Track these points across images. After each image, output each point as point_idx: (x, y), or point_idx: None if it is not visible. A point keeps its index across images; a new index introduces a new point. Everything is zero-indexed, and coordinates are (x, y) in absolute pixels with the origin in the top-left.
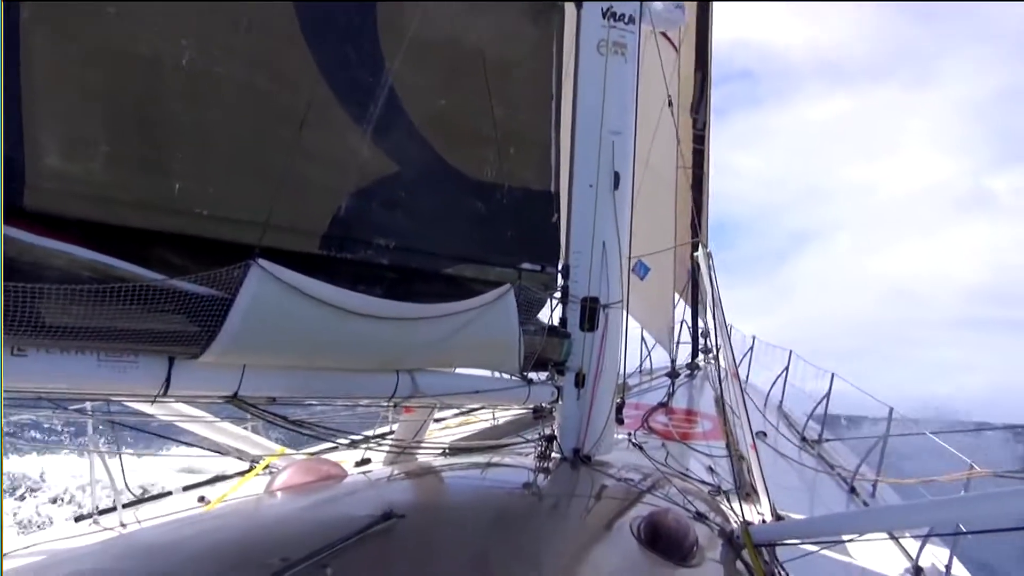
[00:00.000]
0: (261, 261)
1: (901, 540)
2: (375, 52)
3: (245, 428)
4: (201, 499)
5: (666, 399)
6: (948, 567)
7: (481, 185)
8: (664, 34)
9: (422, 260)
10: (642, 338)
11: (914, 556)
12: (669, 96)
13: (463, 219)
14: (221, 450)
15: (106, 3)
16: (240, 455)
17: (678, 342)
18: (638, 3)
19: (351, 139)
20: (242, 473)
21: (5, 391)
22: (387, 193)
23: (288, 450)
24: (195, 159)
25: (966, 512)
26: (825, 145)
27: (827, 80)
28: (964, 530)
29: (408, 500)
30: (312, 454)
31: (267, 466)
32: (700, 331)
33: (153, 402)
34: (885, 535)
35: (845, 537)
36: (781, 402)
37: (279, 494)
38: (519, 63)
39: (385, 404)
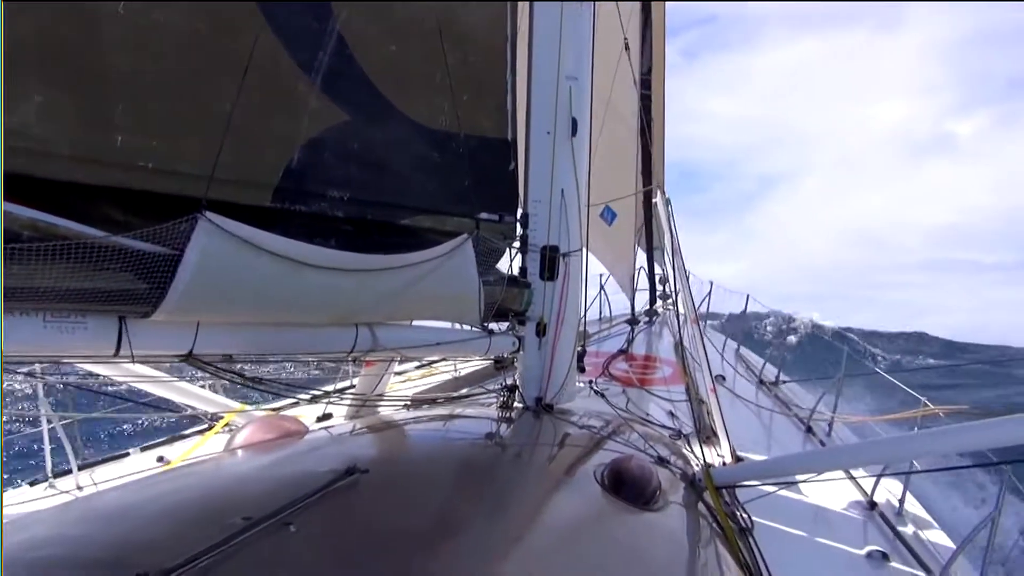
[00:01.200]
0: (209, 214)
1: (857, 477)
2: None
3: (203, 387)
4: (160, 459)
5: (626, 346)
6: (901, 502)
7: (436, 134)
8: None
9: (378, 211)
10: (601, 285)
11: (869, 492)
12: (626, 39)
13: (418, 169)
14: (179, 409)
15: None
16: (199, 414)
17: (635, 288)
18: None
19: (300, 88)
20: (202, 432)
21: None
22: (340, 144)
23: (248, 407)
24: (136, 110)
25: (916, 449)
26: (794, 89)
27: (794, 25)
28: (917, 468)
29: (371, 454)
30: (274, 410)
31: (227, 424)
32: (658, 277)
33: (106, 363)
34: (842, 473)
35: (803, 476)
36: (738, 346)
37: (239, 452)
38: (470, 8)
39: (345, 358)
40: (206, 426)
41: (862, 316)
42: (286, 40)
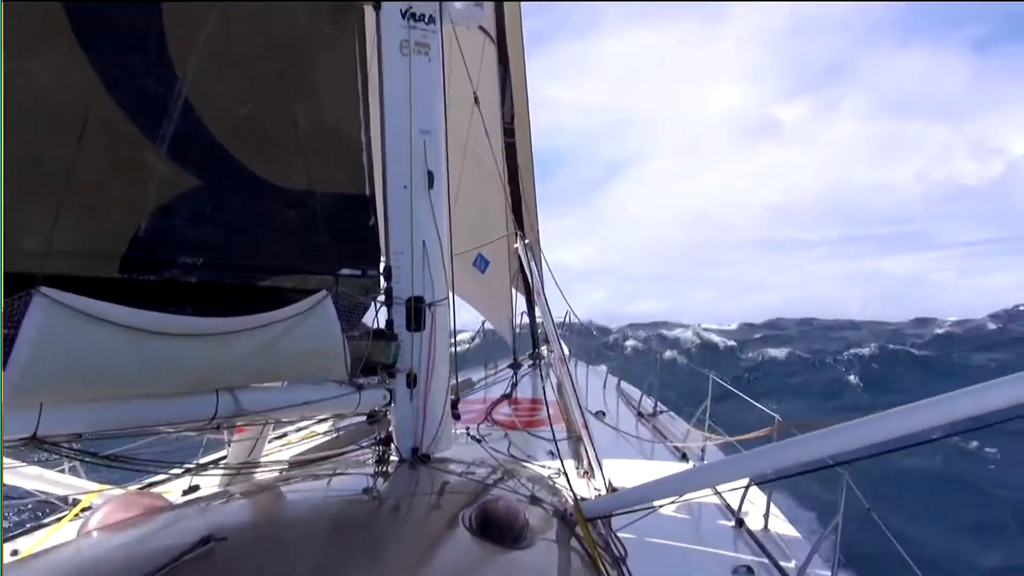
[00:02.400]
0: (45, 289)
1: (725, 495)
2: (164, 60)
3: (61, 470)
4: (14, 553)
5: (509, 390)
6: (766, 516)
7: (292, 193)
8: (482, 27)
9: (235, 275)
10: (481, 332)
11: (736, 509)
12: (475, 94)
13: (276, 230)
14: (30, 496)
15: None
16: (54, 499)
17: (515, 333)
18: (437, 3)
19: (145, 153)
20: (60, 519)
21: None
22: (190, 209)
23: (107, 488)
24: None
25: (769, 461)
26: (636, 76)
27: (631, 14)
28: (772, 479)
29: (235, 522)
30: (142, 488)
31: (85, 508)
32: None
33: None
34: (711, 491)
35: (671, 500)
36: (619, 381)
37: (93, 534)
38: (321, 67)
39: (207, 427)
40: (64, 512)
41: (703, 294)
42: (129, 107)
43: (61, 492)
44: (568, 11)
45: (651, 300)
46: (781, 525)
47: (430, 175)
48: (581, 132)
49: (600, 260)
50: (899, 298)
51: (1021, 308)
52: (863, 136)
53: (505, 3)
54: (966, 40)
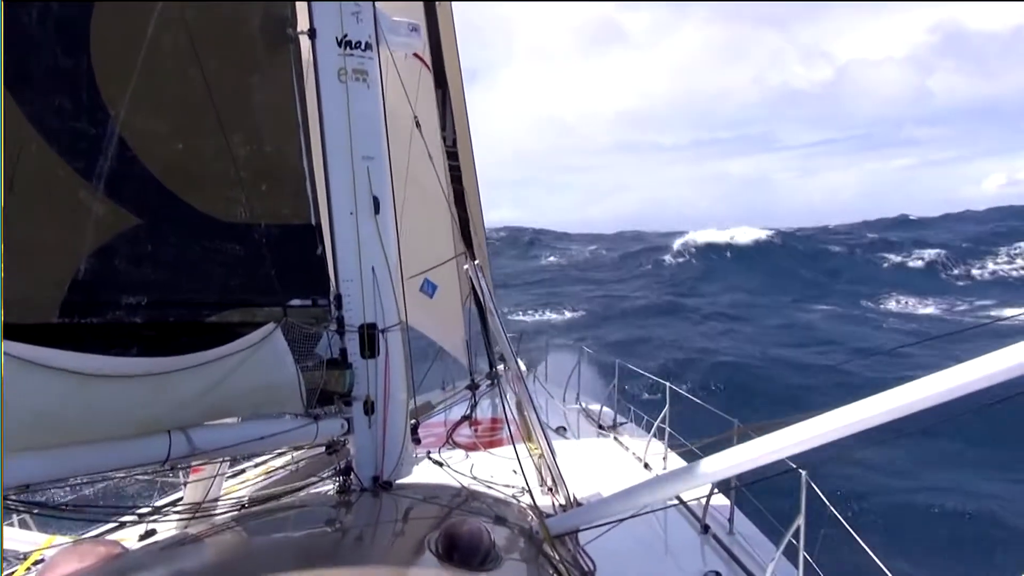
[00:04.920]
0: None
1: (689, 503)
2: (96, 101)
3: (10, 524)
4: None
5: (469, 411)
6: (731, 520)
7: (235, 227)
8: (416, 55)
9: (181, 313)
10: (438, 354)
11: (701, 516)
12: (416, 117)
13: (221, 264)
14: None
15: None
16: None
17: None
18: (372, 31)
19: (81, 195)
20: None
21: None
22: (131, 248)
23: (57, 539)
24: None
25: (731, 465)
26: None
27: None
28: (735, 484)
29: (196, 565)
30: (96, 536)
31: (37, 561)
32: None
33: None
34: (675, 500)
35: (635, 510)
36: (578, 395)
37: None
38: (257, 98)
39: (161, 469)
40: (15, 568)
41: (560, 199)
42: (58, 146)
43: (10, 546)
44: None
45: (507, 208)
46: (746, 528)
47: (376, 201)
48: None
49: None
50: (742, 197)
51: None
52: (704, 42)
53: (440, 31)
54: None
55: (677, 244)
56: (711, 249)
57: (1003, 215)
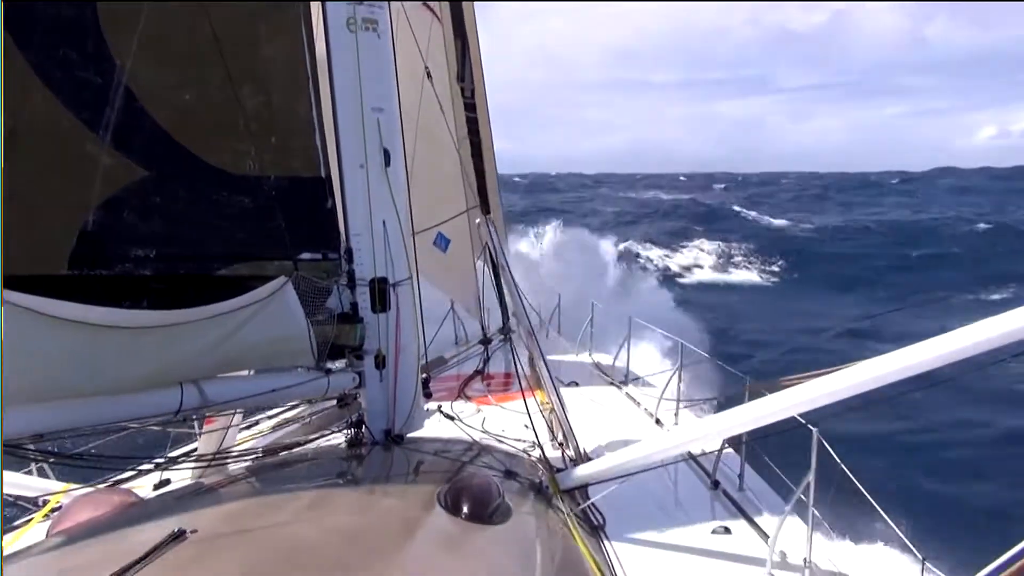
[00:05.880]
0: None
1: (699, 458)
2: (102, 51)
3: (28, 472)
4: None
5: (481, 366)
6: (741, 476)
7: (245, 180)
8: (426, 4)
9: (190, 266)
10: (452, 309)
11: (711, 471)
12: (427, 68)
13: (230, 217)
14: None
15: None
16: (21, 501)
17: (483, 309)
18: None
19: (87, 147)
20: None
21: None
22: (139, 200)
23: (74, 487)
24: None
25: (741, 422)
26: None
27: None
28: (745, 439)
29: (209, 514)
30: (112, 485)
31: (54, 508)
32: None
33: None
34: (685, 456)
35: (645, 465)
36: (590, 351)
37: (63, 534)
38: (266, 50)
39: (173, 420)
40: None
41: (551, 135)
42: (64, 97)
43: (29, 494)
44: None
45: (498, 140)
46: (757, 484)
47: (386, 153)
48: None
49: None
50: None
51: None
52: None
53: None
54: None
55: None
56: None
57: None
